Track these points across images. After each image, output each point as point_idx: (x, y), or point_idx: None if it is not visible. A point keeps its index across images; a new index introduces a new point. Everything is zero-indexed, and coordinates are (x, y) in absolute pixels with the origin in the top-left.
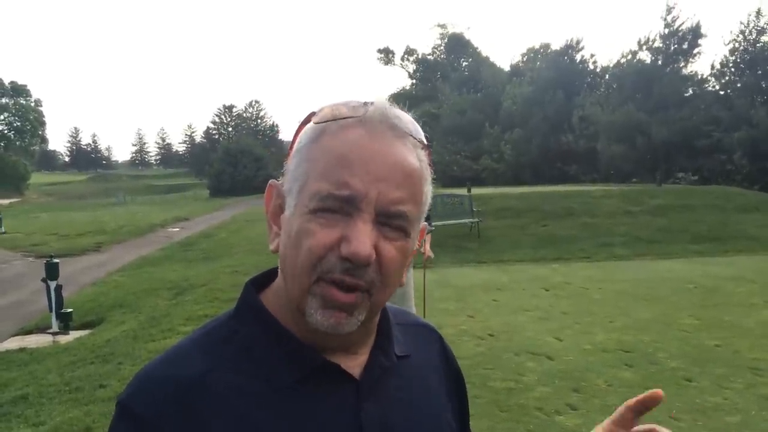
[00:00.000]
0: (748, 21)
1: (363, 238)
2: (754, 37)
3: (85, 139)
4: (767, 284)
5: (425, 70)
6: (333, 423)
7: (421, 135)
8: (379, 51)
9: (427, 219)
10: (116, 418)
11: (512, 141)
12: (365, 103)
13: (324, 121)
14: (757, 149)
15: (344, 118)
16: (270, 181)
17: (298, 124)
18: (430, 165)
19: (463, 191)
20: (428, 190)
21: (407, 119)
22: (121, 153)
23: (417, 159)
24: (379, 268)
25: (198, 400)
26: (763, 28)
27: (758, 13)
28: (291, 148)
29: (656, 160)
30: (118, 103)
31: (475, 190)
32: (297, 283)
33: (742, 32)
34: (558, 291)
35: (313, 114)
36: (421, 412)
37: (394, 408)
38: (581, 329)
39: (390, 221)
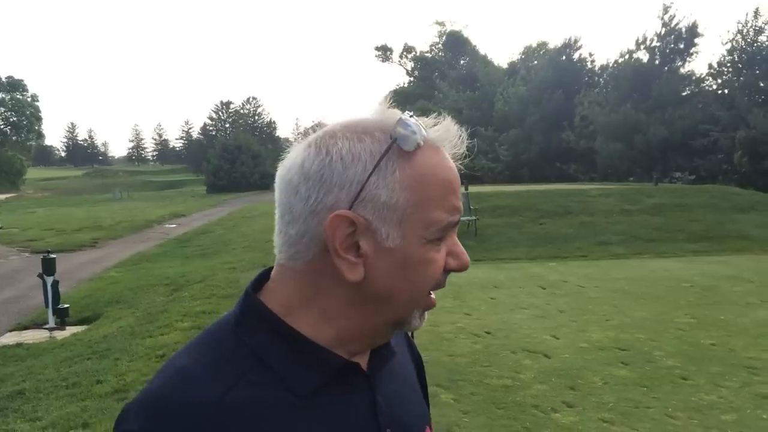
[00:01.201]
0: (746, 20)
1: (464, 250)
2: (752, 36)
3: (82, 135)
4: (763, 283)
5: (423, 67)
6: (356, 419)
7: (457, 148)
8: (377, 48)
9: None
10: None
11: (508, 141)
12: (411, 115)
13: (414, 148)
14: (755, 149)
15: (429, 144)
16: (339, 213)
17: (381, 150)
18: None
19: (460, 189)
20: None
21: (459, 140)
22: (118, 149)
23: None
24: None
25: (225, 422)
26: (761, 27)
27: (756, 12)
28: (370, 174)
29: (653, 159)
30: (115, 98)
31: (473, 188)
32: (414, 304)
33: (740, 32)
34: (555, 289)
35: (395, 140)
36: (411, 399)
37: (394, 397)
38: (578, 327)
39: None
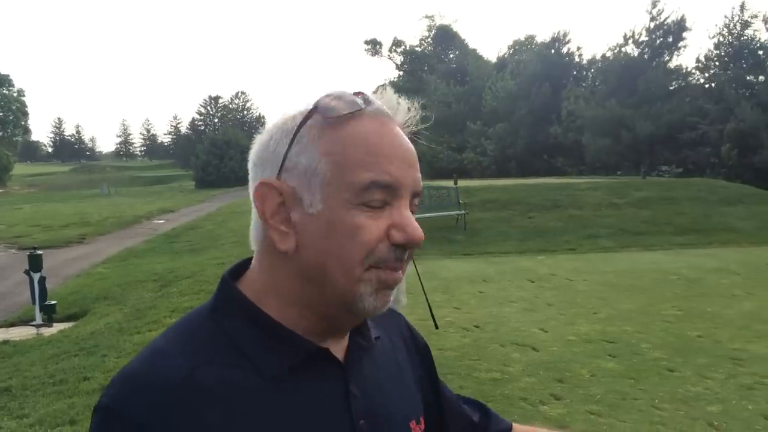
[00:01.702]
0: (732, 14)
1: (414, 223)
2: (738, 30)
3: (69, 130)
4: (749, 276)
5: (413, 61)
6: (325, 407)
7: (413, 121)
8: (367, 42)
9: None
10: (102, 424)
11: (495, 135)
12: (358, 93)
13: (332, 114)
14: (743, 142)
15: (354, 111)
16: (263, 180)
17: (298, 118)
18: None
19: (449, 183)
20: None
21: (401, 107)
22: (106, 144)
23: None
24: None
25: (189, 398)
26: (747, 21)
27: (742, 6)
28: (291, 143)
29: (641, 153)
30: (103, 93)
31: (462, 182)
32: (347, 276)
33: (727, 26)
34: (543, 282)
35: (315, 108)
36: (397, 392)
37: (374, 389)
38: (566, 320)
39: (412, 201)
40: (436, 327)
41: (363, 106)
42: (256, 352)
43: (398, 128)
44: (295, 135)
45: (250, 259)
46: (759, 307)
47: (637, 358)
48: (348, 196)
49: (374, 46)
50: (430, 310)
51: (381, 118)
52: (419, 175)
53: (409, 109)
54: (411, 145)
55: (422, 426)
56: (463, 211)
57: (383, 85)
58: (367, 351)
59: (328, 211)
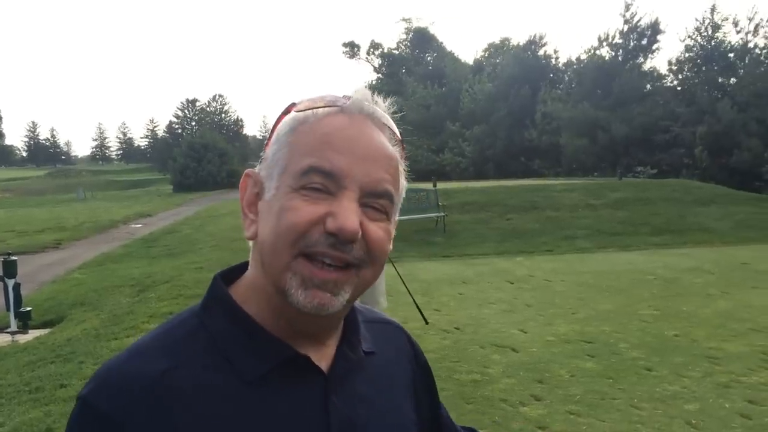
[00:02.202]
0: (704, 18)
1: (350, 214)
2: (709, 33)
3: (44, 134)
4: (723, 275)
5: (390, 64)
6: (301, 415)
7: (396, 130)
8: (345, 45)
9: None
10: (77, 413)
11: (473, 137)
12: (344, 96)
13: (305, 110)
14: (716, 144)
15: (325, 107)
16: (246, 171)
17: (278, 115)
18: (403, 159)
19: (428, 185)
20: (404, 183)
21: (384, 113)
22: (81, 148)
23: (393, 149)
24: (366, 248)
25: (164, 396)
26: (717, 24)
27: (713, 9)
28: (270, 137)
29: (616, 154)
30: (78, 97)
31: (440, 185)
32: (276, 261)
33: (698, 29)
34: (522, 284)
35: (293, 105)
36: (385, 409)
37: (360, 403)
38: (545, 321)
39: (375, 201)
40: (426, 322)
41: (339, 104)
42: (236, 354)
43: (374, 128)
44: (273, 129)
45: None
46: (734, 306)
47: (615, 358)
48: (290, 182)
49: (352, 48)
50: (417, 306)
51: (356, 116)
52: (382, 174)
53: (372, 101)
54: (379, 144)
55: None
56: (442, 213)
57: (366, 88)
58: (354, 363)
59: (277, 196)
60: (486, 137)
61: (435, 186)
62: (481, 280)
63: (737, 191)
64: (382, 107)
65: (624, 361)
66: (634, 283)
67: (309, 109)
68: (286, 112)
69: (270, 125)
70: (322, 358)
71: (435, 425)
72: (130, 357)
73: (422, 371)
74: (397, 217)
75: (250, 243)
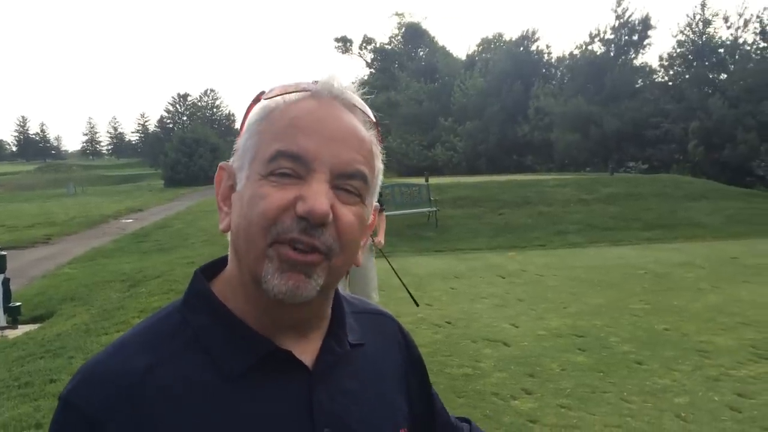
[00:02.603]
0: (694, 13)
1: (319, 196)
2: (701, 28)
3: (33, 128)
4: (714, 269)
5: (383, 59)
6: (284, 411)
7: (369, 112)
8: (337, 40)
9: (379, 201)
10: (59, 413)
11: (466, 132)
12: (314, 81)
13: (274, 96)
14: (709, 139)
15: (294, 92)
16: (220, 164)
17: (248, 104)
18: (380, 141)
19: (420, 180)
20: (380, 166)
21: (354, 95)
22: (72, 142)
23: (366, 131)
24: (336, 233)
25: (146, 393)
26: (708, 19)
27: (704, 4)
28: (241, 127)
29: (608, 149)
30: (68, 91)
31: (433, 180)
32: (251, 250)
33: (689, 24)
34: (514, 278)
35: (262, 93)
36: (375, 403)
37: (346, 398)
38: (536, 315)
39: (347, 184)
40: (417, 305)
41: (308, 89)
42: (218, 350)
43: (343, 110)
44: (244, 119)
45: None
46: (724, 300)
47: (606, 352)
48: (259, 169)
49: (344, 43)
50: (407, 289)
51: (324, 98)
52: (353, 155)
53: (340, 84)
54: (349, 125)
55: None
56: (435, 208)
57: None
58: (340, 357)
59: (247, 185)
60: (478, 132)
61: (427, 181)
62: (473, 275)
63: (728, 186)
64: (351, 90)
65: (615, 354)
66: (625, 277)
67: (278, 96)
68: (256, 100)
69: None
70: (306, 352)
71: (429, 417)
72: (112, 354)
73: (414, 363)
74: (375, 202)
75: (228, 236)
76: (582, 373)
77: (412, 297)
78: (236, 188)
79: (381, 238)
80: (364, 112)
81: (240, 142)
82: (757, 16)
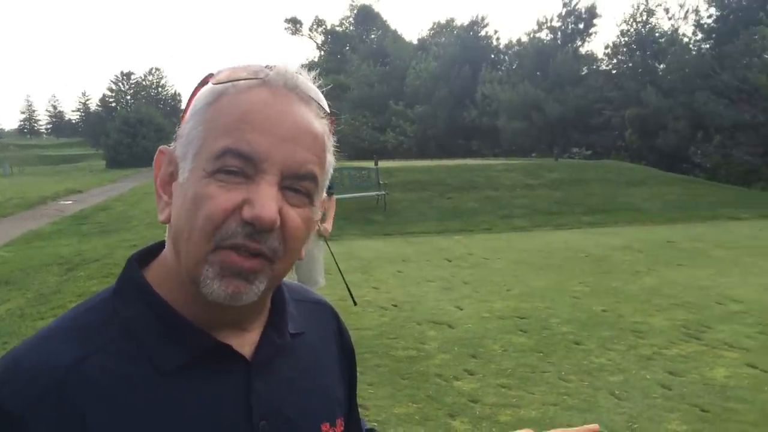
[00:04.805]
0: (638, 4)
1: (268, 201)
2: (644, 18)
3: None
4: (651, 253)
5: (334, 41)
6: (222, 406)
7: (324, 102)
8: (287, 20)
9: (330, 188)
10: None
11: (416, 116)
12: (267, 66)
13: (224, 82)
14: (644, 127)
15: (246, 79)
16: (160, 147)
17: (194, 86)
18: (332, 133)
19: (370, 164)
20: (331, 159)
21: (310, 85)
22: (8, 121)
23: (321, 125)
24: (282, 237)
25: (74, 388)
26: (651, 9)
27: None
28: (185, 111)
29: (553, 135)
30: (4, 67)
31: (382, 163)
32: (192, 252)
33: (633, 15)
34: (460, 262)
35: (210, 75)
36: (313, 392)
37: (285, 388)
38: (481, 298)
39: (297, 184)
40: (355, 303)
41: (253, 76)
42: (152, 343)
43: (299, 104)
44: (189, 102)
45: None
46: (659, 282)
47: (546, 333)
48: (205, 165)
49: (294, 24)
50: (347, 287)
51: (279, 89)
52: (307, 155)
53: (295, 74)
54: (305, 122)
55: (340, 428)
56: (384, 192)
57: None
58: (281, 348)
59: (190, 180)
60: (428, 117)
61: (377, 164)
62: (420, 258)
63: (666, 173)
64: (307, 79)
65: (554, 335)
66: (567, 260)
67: (228, 81)
68: (203, 83)
69: None
70: (246, 344)
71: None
72: (37, 346)
73: (347, 354)
74: (323, 197)
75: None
76: (523, 353)
77: (351, 295)
78: (178, 178)
79: (329, 225)
80: (319, 103)
81: (185, 129)
82: (695, 10)
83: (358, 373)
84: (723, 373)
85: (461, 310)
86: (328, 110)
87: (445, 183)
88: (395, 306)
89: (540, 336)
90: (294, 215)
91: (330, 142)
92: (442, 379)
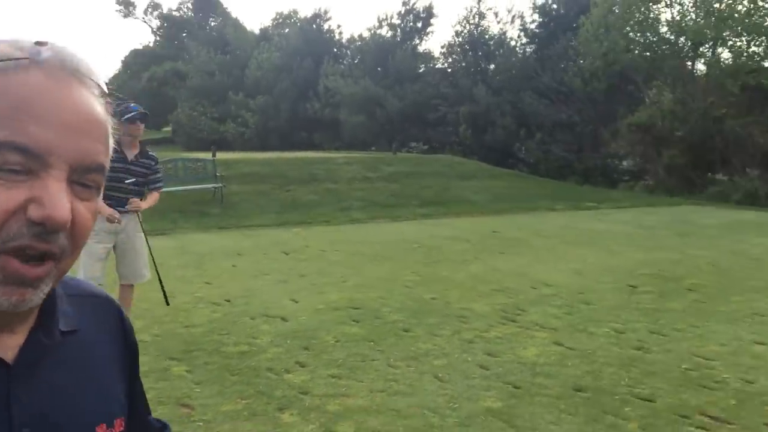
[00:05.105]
0: (471, 7)
1: (60, 200)
2: (476, 21)
3: None
4: (478, 242)
5: (170, 27)
6: None
7: (102, 83)
8: (118, 2)
9: (159, 181)
10: None
11: (257, 107)
12: (38, 43)
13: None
14: (476, 123)
15: (16, 59)
16: None
17: None
18: (110, 113)
19: (207, 155)
20: (112, 145)
21: (89, 65)
22: None
23: (103, 110)
24: (71, 234)
25: None
26: (483, 12)
27: None
28: None
29: (393, 130)
30: None
31: (221, 155)
32: None
33: (466, 17)
34: (298, 254)
35: None
36: (85, 394)
37: (51, 392)
38: (316, 290)
39: (85, 177)
40: (167, 303)
41: (35, 57)
42: None
43: (81, 88)
44: None
45: None
46: (483, 270)
47: (378, 322)
48: None
49: (127, 7)
50: (162, 286)
51: (58, 72)
52: (95, 146)
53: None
54: (90, 109)
55: (119, 428)
56: (221, 184)
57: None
58: (48, 348)
59: None
60: (270, 108)
61: (214, 156)
62: (257, 252)
63: (494, 167)
64: (81, 58)
65: (385, 324)
66: (401, 251)
67: None
68: None
69: None
70: (10, 347)
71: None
72: None
73: (131, 351)
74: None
75: None
76: (354, 343)
77: (165, 294)
78: None
79: (141, 204)
80: (98, 84)
81: None
82: (520, 15)
83: (185, 372)
84: (534, 352)
85: (296, 302)
86: (105, 89)
87: (286, 175)
88: (228, 301)
89: (372, 325)
90: (84, 210)
91: (110, 127)
92: (273, 373)
